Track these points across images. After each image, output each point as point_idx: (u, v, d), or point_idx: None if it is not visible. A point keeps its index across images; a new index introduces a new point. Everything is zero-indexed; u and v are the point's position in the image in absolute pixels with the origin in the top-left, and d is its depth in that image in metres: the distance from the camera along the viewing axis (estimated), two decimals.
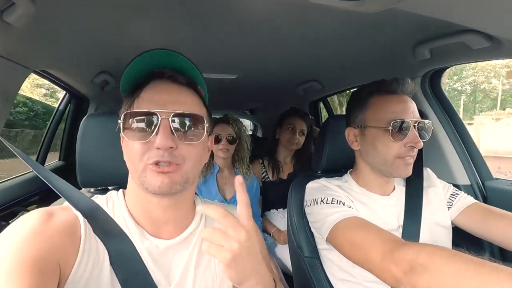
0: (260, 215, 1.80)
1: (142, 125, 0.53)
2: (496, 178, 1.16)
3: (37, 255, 0.46)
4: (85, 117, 0.82)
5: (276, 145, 1.96)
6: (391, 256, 0.63)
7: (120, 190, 0.65)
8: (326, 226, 0.82)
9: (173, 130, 0.52)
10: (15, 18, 0.70)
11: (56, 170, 1.69)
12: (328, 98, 2.30)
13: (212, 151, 1.62)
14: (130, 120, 0.54)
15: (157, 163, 0.51)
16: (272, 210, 1.88)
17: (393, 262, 0.61)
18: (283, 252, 1.59)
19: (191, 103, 0.56)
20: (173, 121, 0.52)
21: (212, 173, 1.59)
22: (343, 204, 0.85)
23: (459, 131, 1.19)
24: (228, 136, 1.58)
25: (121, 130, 0.55)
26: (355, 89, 1.09)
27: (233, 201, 1.58)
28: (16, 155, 0.63)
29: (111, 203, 0.62)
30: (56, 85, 1.41)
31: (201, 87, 0.61)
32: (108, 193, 0.65)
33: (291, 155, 1.95)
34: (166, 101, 0.53)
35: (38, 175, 0.67)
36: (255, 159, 1.94)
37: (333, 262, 0.91)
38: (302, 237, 1.00)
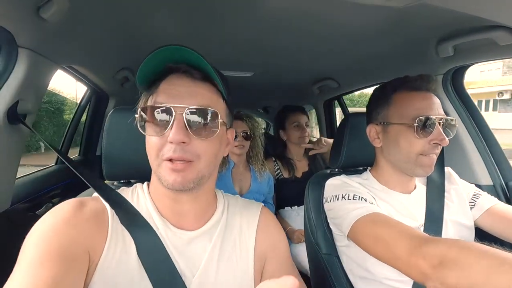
0: (274, 213, 1.81)
1: (158, 119, 0.53)
2: None
3: (64, 242, 0.47)
4: (111, 110, 0.84)
5: (285, 146, 1.98)
6: (419, 250, 0.61)
7: (145, 183, 0.67)
8: (348, 221, 0.82)
9: (186, 125, 0.52)
10: (51, 14, 0.73)
11: (79, 164, 1.74)
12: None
13: None
14: (147, 114, 0.55)
15: (170, 160, 0.52)
16: (286, 208, 1.87)
17: (421, 257, 0.60)
18: (298, 252, 1.59)
19: (207, 97, 0.56)
20: (188, 115, 0.52)
21: (227, 169, 1.61)
22: (365, 200, 0.84)
23: (482, 130, 1.16)
24: (243, 133, 1.59)
25: (138, 125, 0.56)
26: (374, 87, 1.07)
27: (247, 196, 1.60)
28: (51, 148, 0.65)
29: (136, 195, 0.64)
30: (79, 80, 1.44)
31: (217, 82, 0.60)
32: (134, 185, 0.67)
33: (303, 152, 1.96)
34: (182, 94, 0.54)
35: (70, 168, 0.70)
36: (269, 156, 1.96)
37: (352, 259, 0.91)
38: (320, 234, 1.00)
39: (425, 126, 0.81)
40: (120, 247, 0.54)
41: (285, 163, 1.93)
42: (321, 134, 2.54)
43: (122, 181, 0.94)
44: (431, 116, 0.81)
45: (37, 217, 0.52)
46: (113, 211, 0.57)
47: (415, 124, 0.81)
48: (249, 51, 1.33)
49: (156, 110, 0.53)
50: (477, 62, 1.03)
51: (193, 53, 0.54)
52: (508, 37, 0.82)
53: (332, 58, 1.40)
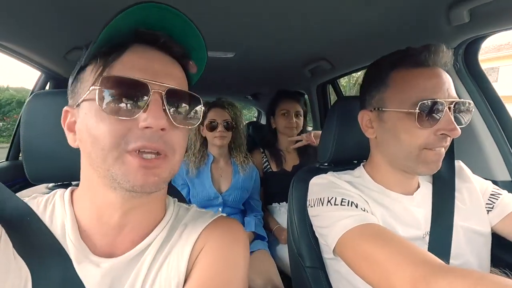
0: (262, 209, 1.65)
1: (127, 96, 0.40)
2: None
3: None
4: (29, 96, 0.67)
5: (275, 135, 1.82)
6: (425, 284, 0.46)
7: (68, 189, 0.51)
8: (334, 234, 0.65)
9: (166, 109, 0.42)
10: None
11: None
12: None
13: (206, 139, 1.46)
14: (108, 87, 0.40)
15: (139, 150, 0.40)
16: (274, 204, 1.72)
17: None
18: (286, 252, 1.43)
19: (182, 81, 0.47)
20: (166, 97, 0.42)
21: (206, 164, 1.43)
22: (356, 206, 0.67)
23: (499, 116, 0.97)
24: (224, 122, 1.41)
25: (95, 100, 0.41)
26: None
27: (228, 194, 1.43)
28: None
29: (51, 206, 0.49)
30: (26, 64, 1.24)
31: (195, 60, 0.50)
32: (53, 191, 0.53)
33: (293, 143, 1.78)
34: (157, 71, 0.43)
35: None
36: (256, 147, 1.80)
37: (341, 275, 0.74)
38: (303, 243, 0.84)
39: (431, 112, 0.62)
40: (11, 284, 0.39)
41: (273, 154, 1.77)
42: (314, 122, 2.36)
43: (57, 184, 0.78)
44: (439, 100, 0.62)
45: None
46: (2, 230, 0.43)
47: (417, 110, 0.62)
48: (229, 28, 1.14)
49: (124, 84, 0.40)
50: (499, 31, 0.83)
51: (184, 17, 0.44)
52: None
53: (324, 36, 1.21)
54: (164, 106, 0.42)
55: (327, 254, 0.77)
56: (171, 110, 0.43)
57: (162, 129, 0.41)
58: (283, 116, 1.73)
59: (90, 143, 0.42)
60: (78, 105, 0.45)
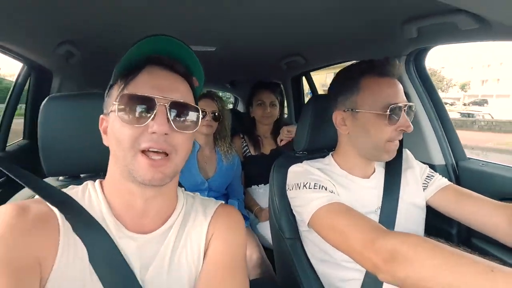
0: (243, 192, 1.81)
1: (139, 109, 0.52)
2: (469, 158, 1.20)
3: (13, 252, 0.44)
4: (45, 99, 0.74)
5: (254, 123, 1.96)
6: (371, 245, 0.64)
7: (97, 181, 0.62)
8: (308, 210, 0.82)
9: (169, 117, 0.52)
10: None
11: (22, 150, 1.56)
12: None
13: None
14: (125, 102, 0.52)
15: (148, 150, 0.51)
16: (253, 186, 1.88)
17: (373, 251, 0.62)
18: (265, 229, 1.63)
19: (185, 93, 0.57)
20: (170, 108, 0.52)
21: (192, 152, 1.54)
22: (325, 189, 0.85)
23: (439, 111, 1.20)
24: (212, 113, 1.53)
25: (116, 112, 0.52)
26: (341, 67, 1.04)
27: (214, 179, 1.57)
28: None
29: (88, 195, 0.59)
30: (9, 56, 1.23)
31: (197, 77, 0.63)
32: (85, 183, 0.62)
33: (270, 129, 1.95)
34: (163, 87, 0.53)
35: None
36: (236, 134, 1.93)
37: (313, 243, 0.93)
38: (283, 219, 1.00)
39: (395, 113, 0.81)
40: (73, 253, 0.50)
41: (252, 139, 1.91)
42: (288, 109, 2.52)
43: (67, 176, 0.86)
44: (400, 104, 0.81)
45: None
46: (63, 215, 0.52)
47: (388, 112, 0.80)
48: (211, 24, 1.22)
49: (137, 99, 0.52)
50: (439, 44, 1.03)
51: (183, 45, 0.57)
52: (469, 22, 0.81)
53: (299, 34, 1.34)
54: (168, 115, 0.52)
55: (302, 227, 0.95)
56: (173, 118, 0.52)
57: (166, 134, 0.52)
58: (259, 106, 1.86)
59: (114, 144, 0.54)
60: (108, 114, 0.57)
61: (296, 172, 0.94)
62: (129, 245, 0.55)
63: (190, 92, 0.59)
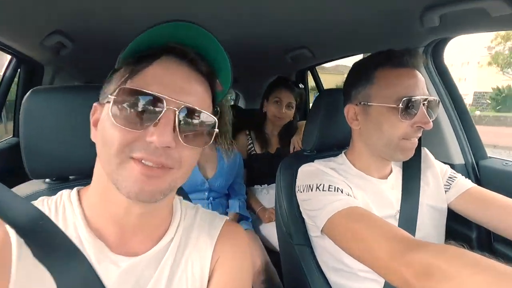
0: (245, 192, 1.73)
1: (140, 109, 0.40)
2: (490, 157, 1.12)
3: None
4: (28, 92, 0.65)
5: (264, 118, 1.84)
6: (401, 256, 0.56)
7: (75, 190, 0.51)
8: (323, 216, 0.74)
9: (176, 126, 0.41)
10: None
11: (11, 149, 1.47)
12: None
13: None
14: (124, 98, 0.41)
15: (142, 160, 0.40)
16: (256, 186, 1.81)
17: (404, 264, 0.54)
18: (269, 230, 1.55)
19: (203, 99, 0.46)
20: (180, 115, 0.41)
21: None
22: (341, 192, 0.77)
23: (459, 108, 1.12)
24: None
25: (110, 107, 0.41)
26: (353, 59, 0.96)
27: (214, 179, 1.48)
28: None
29: (62, 208, 0.48)
30: None
31: (222, 80, 0.51)
32: (59, 193, 0.51)
33: (279, 128, 1.85)
34: (177, 87, 0.42)
35: None
36: (241, 130, 1.83)
37: (326, 250, 0.85)
38: (292, 223, 0.93)
39: (410, 107, 0.72)
40: None
41: (259, 137, 1.81)
42: None
43: (54, 179, 0.78)
44: (416, 97, 0.72)
45: None
46: (21, 239, 0.41)
47: (400, 106, 0.72)
48: (213, 16, 1.14)
49: (141, 97, 0.41)
50: (464, 34, 0.94)
51: (211, 37, 0.45)
52: (503, 7, 0.73)
53: (306, 26, 1.25)
54: (175, 123, 0.41)
55: (314, 233, 0.87)
56: (182, 128, 0.42)
57: (168, 147, 0.41)
58: (275, 103, 1.73)
59: (101, 144, 0.44)
60: (103, 105, 0.45)
61: (308, 172, 0.86)
62: (112, 271, 0.44)
63: (209, 98, 0.48)
